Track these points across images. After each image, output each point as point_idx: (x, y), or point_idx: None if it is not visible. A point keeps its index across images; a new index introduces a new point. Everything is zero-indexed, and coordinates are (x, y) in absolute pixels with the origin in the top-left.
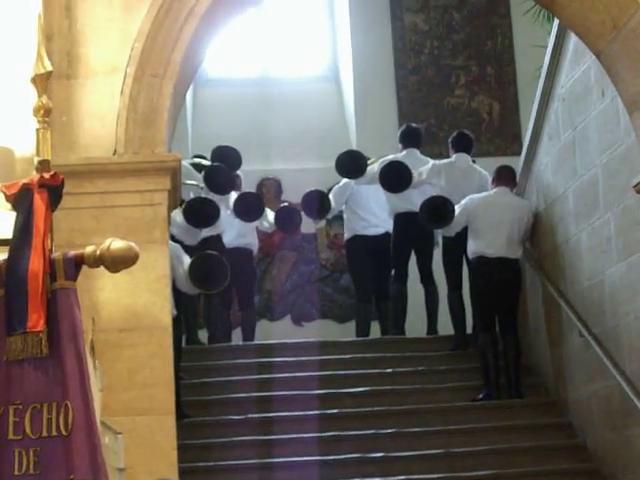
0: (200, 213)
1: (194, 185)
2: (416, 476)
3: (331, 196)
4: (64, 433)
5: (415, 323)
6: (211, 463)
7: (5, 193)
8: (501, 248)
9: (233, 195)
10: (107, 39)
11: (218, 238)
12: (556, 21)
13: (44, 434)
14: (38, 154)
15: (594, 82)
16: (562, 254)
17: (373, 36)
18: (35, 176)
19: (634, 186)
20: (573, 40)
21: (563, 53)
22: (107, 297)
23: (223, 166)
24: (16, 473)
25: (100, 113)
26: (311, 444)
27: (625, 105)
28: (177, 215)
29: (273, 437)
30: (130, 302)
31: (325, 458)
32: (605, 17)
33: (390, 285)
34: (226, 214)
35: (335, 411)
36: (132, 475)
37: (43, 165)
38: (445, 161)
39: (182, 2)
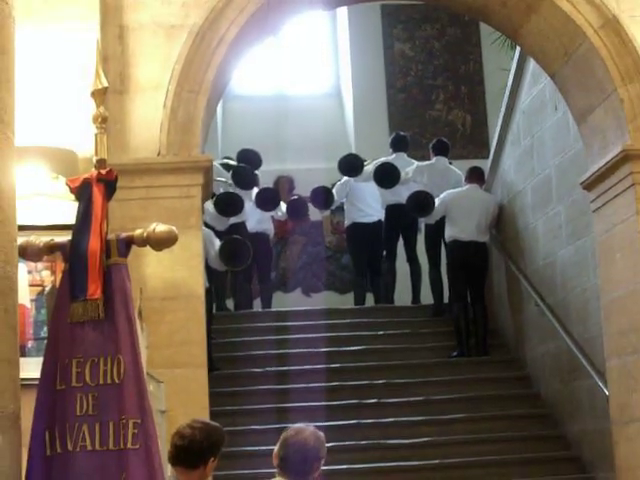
0: (228, 205)
1: (223, 181)
2: (402, 418)
3: (334, 191)
4: (117, 381)
5: (402, 294)
6: (236, 407)
7: (70, 186)
8: (472, 233)
9: (255, 190)
10: (152, 62)
11: (243, 225)
12: (518, 49)
13: (101, 382)
14: (96, 154)
15: (549, 98)
16: (522, 238)
17: (369, 61)
18: (94, 172)
19: (581, 183)
20: (532, 64)
21: (523, 75)
22: (152, 271)
23: (247, 166)
24: (78, 413)
25: (147, 122)
26: (318, 392)
27: (574, 117)
28: (209, 205)
29: (287, 386)
30: (170, 276)
31: (329, 403)
32: (558, 45)
33: (382, 263)
34: (249, 205)
35: (337, 365)
36: (172, 416)
37: (100, 163)
38: (427, 163)
39: (214, 32)
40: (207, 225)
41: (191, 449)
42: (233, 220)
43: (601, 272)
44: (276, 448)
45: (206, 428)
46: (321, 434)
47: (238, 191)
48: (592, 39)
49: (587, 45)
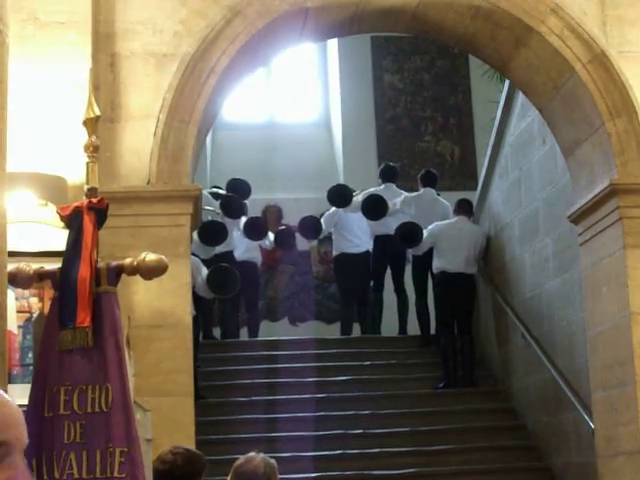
0: (211, 234)
1: (211, 210)
2: (388, 449)
3: (322, 221)
4: (105, 409)
5: (389, 324)
6: (221, 436)
7: (60, 214)
8: (460, 265)
9: (243, 219)
10: (144, 91)
11: (230, 253)
12: (507, 82)
13: (89, 410)
14: (87, 183)
15: (537, 132)
16: (509, 270)
17: (358, 92)
18: (85, 200)
19: (568, 216)
20: (520, 97)
21: (512, 108)
22: (140, 300)
23: (236, 196)
24: (65, 441)
25: (137, 150)
26: (304, 422)
27: (562, 151)
28: (194, 234)
29: (273, 416)
30: (158, 304)
31: (315, 433)
32: (547, 80)
33: (369, 293)
34: (237, 234)
35: (323, 395)
36: (158, 445)
37: (92, 191)
38: (415, 194)
39: (205, 62)
40: (193, 253)
41: (172, 474)
42: (219, 249)
43: (587, 305)
44: (228, 478)
45: (187, 454)
46: (272, 461)
47: (226, 220)
48: (580, 73)
49: (575, 79)
